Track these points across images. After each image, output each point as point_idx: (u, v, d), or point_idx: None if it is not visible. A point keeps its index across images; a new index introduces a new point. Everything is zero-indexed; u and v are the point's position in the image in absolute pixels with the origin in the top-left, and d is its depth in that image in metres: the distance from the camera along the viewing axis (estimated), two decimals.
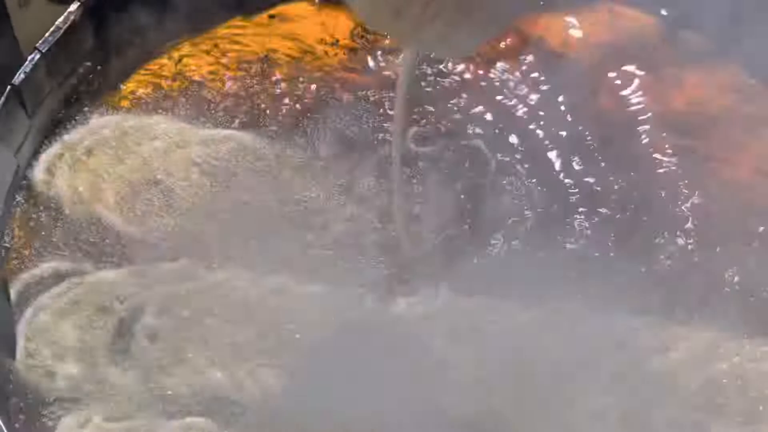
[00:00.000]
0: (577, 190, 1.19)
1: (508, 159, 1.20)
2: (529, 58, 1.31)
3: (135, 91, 1.24)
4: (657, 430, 0.99)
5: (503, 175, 1.20)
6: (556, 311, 1.05)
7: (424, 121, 1.23)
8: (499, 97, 1.27)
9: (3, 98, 1.10)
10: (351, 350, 1.03)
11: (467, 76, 1.29)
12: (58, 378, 1.03)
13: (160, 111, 1.23)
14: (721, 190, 1.18)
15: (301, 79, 1.26)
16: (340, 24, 1.32)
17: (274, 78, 1.26)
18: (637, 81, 1.29)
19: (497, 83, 1.28)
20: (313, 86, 1.26)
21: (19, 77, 1.12)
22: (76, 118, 1.20)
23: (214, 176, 1.18)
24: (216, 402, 1.01)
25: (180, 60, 1.27)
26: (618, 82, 1.28)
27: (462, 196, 1.18)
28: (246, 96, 1.25)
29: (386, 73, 1.29)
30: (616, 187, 1.18)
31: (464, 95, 1.26)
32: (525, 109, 1.27)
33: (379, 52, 1.31)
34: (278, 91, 1.25)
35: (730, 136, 1.24)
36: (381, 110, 1.23)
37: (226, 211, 1.16)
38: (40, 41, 1.13)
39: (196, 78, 1.27)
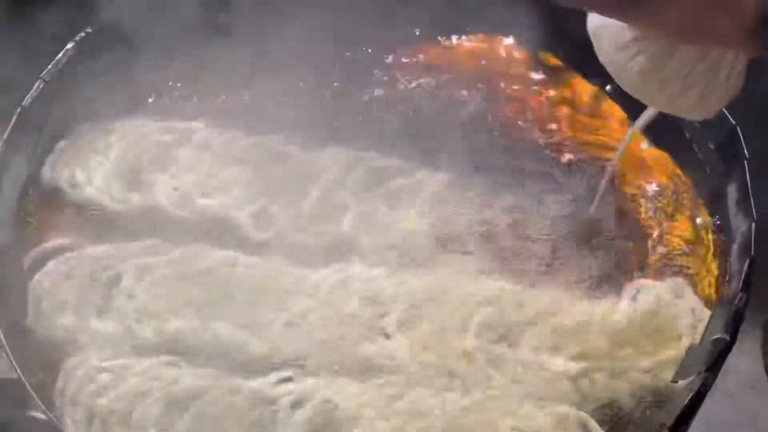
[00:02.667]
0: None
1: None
2: None
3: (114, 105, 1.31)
4: (513, 369, 1.08)
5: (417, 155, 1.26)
6: (441, 278, 1.15)
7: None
8: None
9: (15, 117, 1.20)
10: (282, 306, 1.12)
11: None
12: (58, 329, 1.11)
13: (130, 116, 1.32)
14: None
15: None
16: None
17: None
18: None
19: None
20: None
21: (27, 101, 1.22)
22: (71, 127, 1.30)
23: (177, 165, 1.27)
24: (179, 344, 1.10)
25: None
26: None
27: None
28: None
29: None
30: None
31: None
32: None
33: None
34: None
35: None
36: None
37: (188, 193, 1.25)
38: (44, 72, 1.24)
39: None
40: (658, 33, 0.90)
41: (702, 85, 0.93)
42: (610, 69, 0.98)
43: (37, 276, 1.16)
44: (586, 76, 1.34)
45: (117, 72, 1.32)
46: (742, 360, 1.39)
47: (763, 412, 1.40)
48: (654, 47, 0.92)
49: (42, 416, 1.02)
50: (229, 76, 1.34)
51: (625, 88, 0.99)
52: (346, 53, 1.37)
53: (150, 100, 1.35)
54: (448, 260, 1.18)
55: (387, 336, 1.11)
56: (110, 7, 1.28)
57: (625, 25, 0.91)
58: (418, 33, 1.40)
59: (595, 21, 0.96)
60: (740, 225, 1.13)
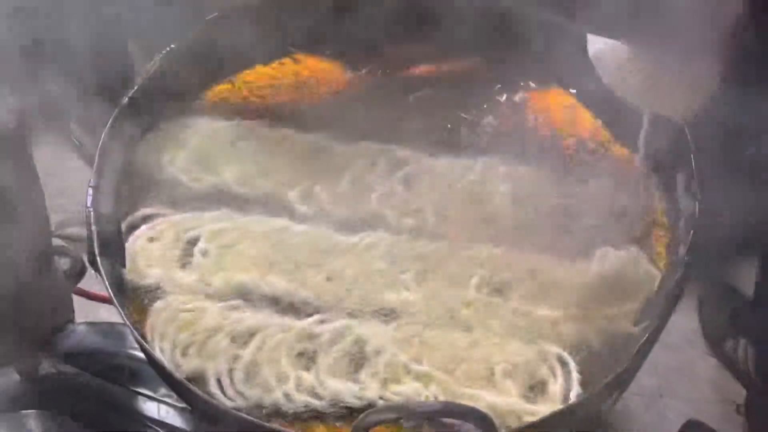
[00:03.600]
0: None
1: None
2: None
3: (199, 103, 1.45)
4: (505, 315, 1.20)
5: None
6: (446, 244, 1.28)
7: None
8: None
9: (114, 114, 1.32)
10: (324, 263, 1.26)
11: None
12: (148, 278, 1.23)
13: (203, 115, 1.45)
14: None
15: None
16: None
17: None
18: None
19: None
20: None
21: (124, 100, 1.35)
22: (158, 123, 1.42)
23: (240, 154, 1.38)
24: (244, 291, 1.23)
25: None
26: None
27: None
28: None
29: None
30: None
31: None
32: None
33: None
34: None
35: None
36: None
37: (250, 175, 1.37)
38: (137, 80, 1.36)
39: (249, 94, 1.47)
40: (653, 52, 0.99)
41: (686, 89, 1.02)
42: (611, 85, 1.07)
43: (131, 237, 1.28)
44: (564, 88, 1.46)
45: (193, 80, 1.46)
46: (682, 319, 1.70)
47: (698, 360, 1.66)
48: (648, 64, 1.01)
49: (140, 354, 1.16)
50: (280, 86, 1.47)
51: (624, 98, 1.08)
52: (374, 67, 1.49)
53: (218, 104, 1.48)
54: (452, 229, 1.30)
55: (406, 288, 1.23)
56: (186, 32, 1.44)
57: (623, 48, 1.00)
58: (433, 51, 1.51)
59: (595, 46, 1.04)
60: (687, 205, 1.24)
